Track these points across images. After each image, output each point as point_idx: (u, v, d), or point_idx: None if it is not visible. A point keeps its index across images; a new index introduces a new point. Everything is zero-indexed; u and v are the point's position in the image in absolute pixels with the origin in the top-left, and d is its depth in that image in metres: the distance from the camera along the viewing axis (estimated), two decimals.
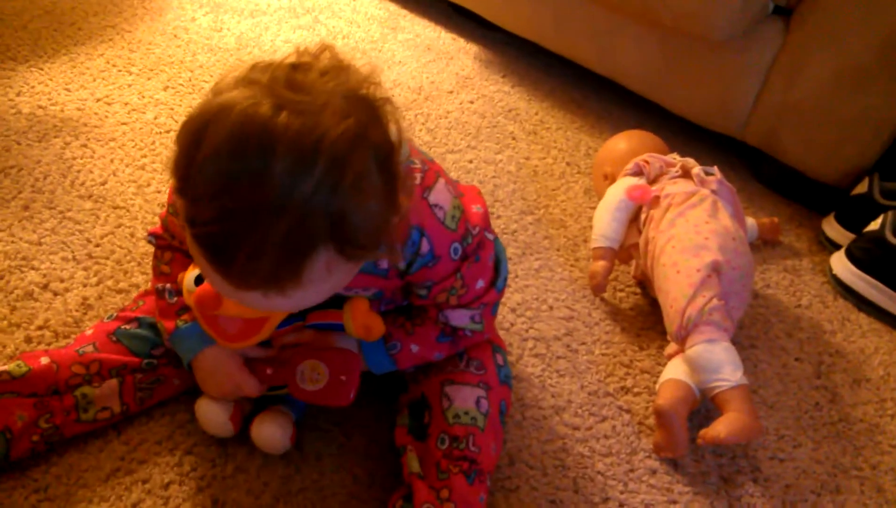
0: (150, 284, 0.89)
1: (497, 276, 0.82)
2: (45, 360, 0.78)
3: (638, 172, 1.19)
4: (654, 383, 1.00)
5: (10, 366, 0.76)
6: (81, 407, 0.79)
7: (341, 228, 0.55)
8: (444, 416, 0.80)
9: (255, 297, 0.57)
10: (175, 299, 0.81)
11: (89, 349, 0.81)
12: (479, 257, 0.79)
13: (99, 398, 0.79)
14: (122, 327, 0.83)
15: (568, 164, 1.44)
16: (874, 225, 1.19)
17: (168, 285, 0.82)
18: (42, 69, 1.40)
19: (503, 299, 1.09)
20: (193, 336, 0.79)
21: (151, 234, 0.87)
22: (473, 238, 0.77)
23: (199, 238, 0.56)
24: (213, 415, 0.80)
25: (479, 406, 0.81)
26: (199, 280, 0.75)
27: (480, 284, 0.80)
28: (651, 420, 0.96)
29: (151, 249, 1.04)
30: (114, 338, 0.82)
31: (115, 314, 0.86)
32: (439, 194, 0.74)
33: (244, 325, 0.75)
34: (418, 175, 0.73)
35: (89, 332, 0.84)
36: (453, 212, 0.75)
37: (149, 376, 0.82)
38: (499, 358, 0.88)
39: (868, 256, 1.19)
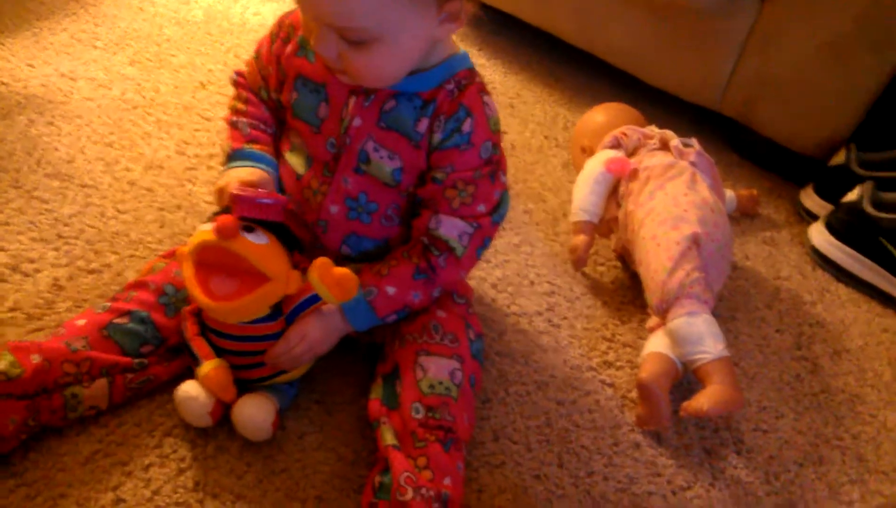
0: (139, 273, 0.87)
1: (496, 211, 0.84)
2: (36, 359, 0.74)
3: (616, 145, 1.18)
4: (637, 356, 1.00)
5: (4, 365, 0.73)
6: (70, 407, 0.76)
7: None
8: (419, 386, 0.80)
9: None
10: (248, 130, 0.88)
11: (81, 344, 0.78)
12: (494, 179, 0.82)
13: (88, 398, 0.77)
14: (115, 320, 0.80)
15: (546, 137, 1.42)
16: (852, 196, 1.20)
17: (243, 119, 0.89)
18: (3, 44, 1.35)
19: (484, 275, 1.08)
20: (249, 157, 0.86)
21: (236, 72, 0.93)
22: (500, 154, 0.83)
23: None
24: (192, 406, 0.78)
25: (452, 378, 0.81)
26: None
27: (482, 208, 0.82)
28: (634, 394, 0.96)
29: (122, 228, 1.04)
30: (105, 333, 0.79)
31: (108, 305, 0.82)
32: (490, 101, 0.82)
33: (237, 287, 0.73)
34: (478, 79, 0.82)
35: (80, 322, 0.80)
36: (496, 120, 0.82)
37: (139, 376, 0.80)
38: (471, 334, 0.88)
39: (846, 226, 1.19)
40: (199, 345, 0.79)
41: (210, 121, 1.27)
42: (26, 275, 0.94)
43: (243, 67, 0.93)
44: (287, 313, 0.79)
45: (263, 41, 0.89)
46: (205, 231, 0.73)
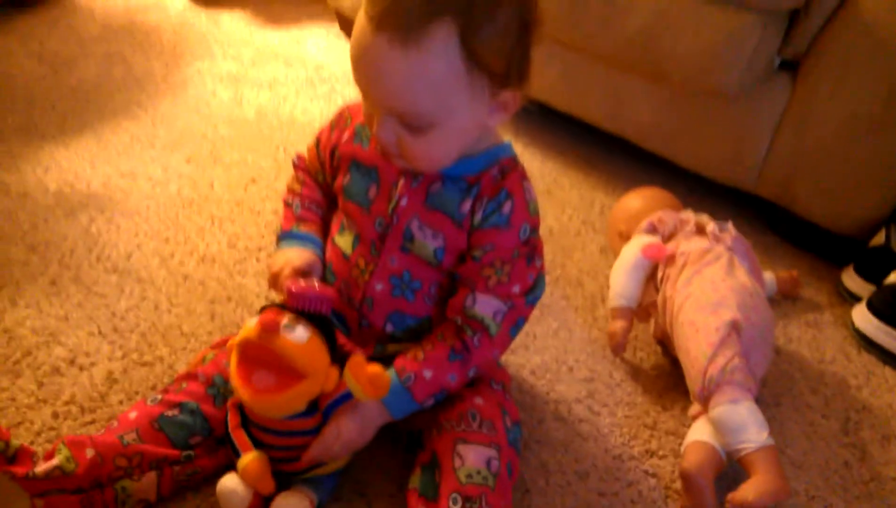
0: (190, 365, 0.91)
1: (531, 293, 0.87)
2: (90, 453, 0.77)
3: (652, 230, 1.20)
4: (680, 445, 0.98)
5: (60, 460, 0.76)
6: (120, 501, 0.79)
7: (471, 11, 0.69)
8: (457, 475, 0.80)
9: (380, 45, 0.69)
10: (300, 210, 0.95)
11: (132, 437, 0.81)
12: (531, 261, 0.85)
13: (138, 492, 0.80)
14: (166, 413, 0.83)
15: (583, 222, 1.45)
16: (894, 277, 1.19)
17: (297, 200, 0.96)
18: (69, 146, 1.44)
19: (523, 361, 1.09)
20: (298, 238, 0.92)
21: (297, 155, 1.00)
22: (538, 239, 0.86)
23: None
24: (233, 499, 0.79)
25: (489, 467, 0.81)
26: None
27: (517, 288, 0.85)
28: (678, 484, 0.94)
29: (175, 321, 1.08)
30: (156, 426, 0.82)
31: (159, 398, 0.85)
32: (530, 187, 0.86)
33: (276, 380, 0.76)
34: (520, 167, 0.86)
35: (133, 415, 0.83)
36: (536, 205, 0.86)
37: (186, 468, 0.83)
38: (507, 421, 0.88)
39: (890, 308, 1.18)
40: (239, 437, 0.81)
41: (259, 215, 1.33)
42: (82, 369, 0.98)
43: (303, 152, 0.99)
44: (324, 408, 0.81)
45: (324, 129, 0.95)
46: (250, 327, 0.77)
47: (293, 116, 1.66)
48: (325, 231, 0.96)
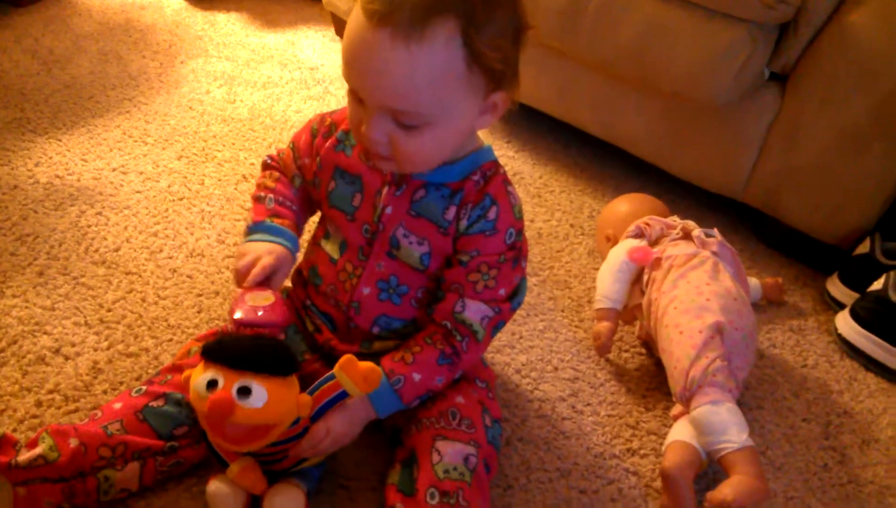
0: (175, 357, 0.91)
1: (514, 297, 0.88)
2: (74, 443, 0.77)
3: (639, 235, 1.21)
4: (661, 444, 0.99)
5: (43, 449, 0.76)
6: (103, 490, 0.79)
7: (472, 9, 0.70)
8: (434, 470, 0.81)
9: (381, 41, 0.69)
10: (273, 204, 0.92)
11: (116, 427, 0.81)
12: (516, 264, 0.87)
13: (120, 481, 0.80)
14: (150, 404, 0.83)
15: (572, 226, 1.46)
16: (877, 285, 1.20)
17: (270, 195, 0.92)
18: (60, 140, 1.45)
19: (508, 360, 1.10)
20: (270, 231, 0.89)
21: (269, 156, 0.98)
22: (523, 242, 0.87)
23: None
24: (226, 502, 0.79)
25: (467, 463, 0.82)
26: (210, 384, 0.73)
27: (503, 292, 0.86)
28: (658, 483, 0.95)
29: (161, 313, 1.08)
30: (140, 416, 0.82)
31: (143, 389, 0.85)
32: (513, 190, 0.86)
33: (249, 431, 0.74)
34: (502, 171, 0.87)
35: (117, 406, 0.83)
36: (520, 208, 0.86)
37: (169, 458, 0.83)
38: (487, 419, 0.89)
39: (872, 315, 1.19)
40: (222, 449, 0.80)
41: (250, 211, 1.33)
42: (67, 358, 0.99)
43: (275, 154, 0.97)
44: (313, 413, 0.80)
45: (302, 133, 0.94)
46: (202, 397, 0.72)
47: (286, 116, 1.67)
48: (299, 230, 0.93)
